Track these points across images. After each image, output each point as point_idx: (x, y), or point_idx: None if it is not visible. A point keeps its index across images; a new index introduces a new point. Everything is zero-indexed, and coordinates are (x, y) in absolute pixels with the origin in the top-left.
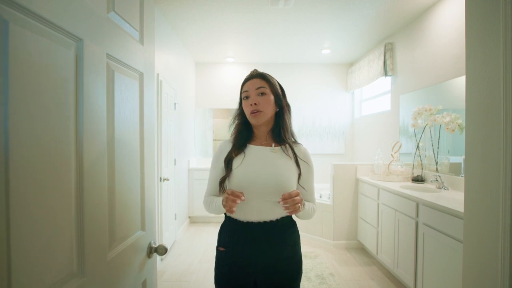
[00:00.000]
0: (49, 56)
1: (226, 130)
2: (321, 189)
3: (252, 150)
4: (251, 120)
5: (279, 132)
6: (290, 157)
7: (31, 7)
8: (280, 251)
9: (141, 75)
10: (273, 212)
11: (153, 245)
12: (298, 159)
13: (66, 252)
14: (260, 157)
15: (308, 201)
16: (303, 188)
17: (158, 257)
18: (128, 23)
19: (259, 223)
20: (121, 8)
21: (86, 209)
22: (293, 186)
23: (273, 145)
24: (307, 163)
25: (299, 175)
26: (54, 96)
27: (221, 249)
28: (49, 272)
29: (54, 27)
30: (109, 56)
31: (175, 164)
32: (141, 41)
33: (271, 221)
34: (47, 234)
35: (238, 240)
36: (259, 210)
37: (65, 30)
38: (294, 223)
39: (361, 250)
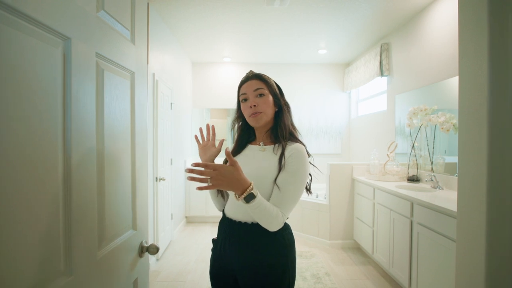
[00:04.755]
0: (35, 55)
1: (223, 130)
2: (318, 189)
3: (247, 149)
4: (251, 122)
5: (277, 132)
6: (275, 155)
7: (17, 5)
8: (254, 256)
9: (132, 74)
10: (247, 214)
11: (145, 244)
12: (283, 158)
13: (52, 249)
14: (247, 156)
15: (275, 204)
16: (278, 187)
17: (154, 257)
18: (118, 22)
19: (235, 222)
20: (111, 7)
21: (74, 208)
22: (269, 187)
23: (262, 143)
24: (290, 164)
25: (278, 174)
26: (41, 95)
27: (214, 238)
28: (33, 269)
29: (40, 25)
30: (98, 55)
31: (171, 164)
32: (133, 40)
33: (245, 223)
34: (32, 230)
35: (221, 235)
36: (236, 208)
37: (52, 29)
38: (275, 231)
39: (357, 249)
